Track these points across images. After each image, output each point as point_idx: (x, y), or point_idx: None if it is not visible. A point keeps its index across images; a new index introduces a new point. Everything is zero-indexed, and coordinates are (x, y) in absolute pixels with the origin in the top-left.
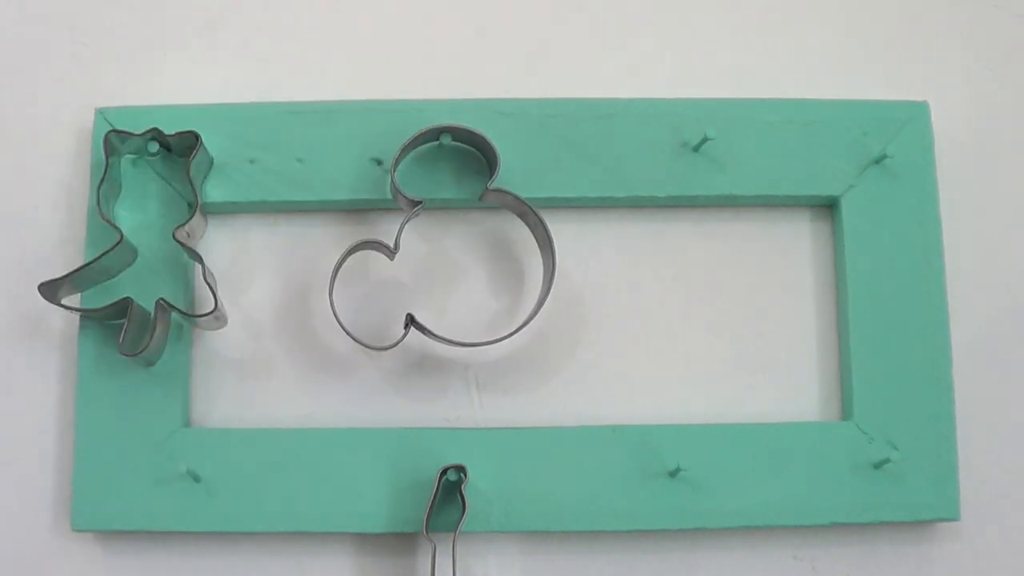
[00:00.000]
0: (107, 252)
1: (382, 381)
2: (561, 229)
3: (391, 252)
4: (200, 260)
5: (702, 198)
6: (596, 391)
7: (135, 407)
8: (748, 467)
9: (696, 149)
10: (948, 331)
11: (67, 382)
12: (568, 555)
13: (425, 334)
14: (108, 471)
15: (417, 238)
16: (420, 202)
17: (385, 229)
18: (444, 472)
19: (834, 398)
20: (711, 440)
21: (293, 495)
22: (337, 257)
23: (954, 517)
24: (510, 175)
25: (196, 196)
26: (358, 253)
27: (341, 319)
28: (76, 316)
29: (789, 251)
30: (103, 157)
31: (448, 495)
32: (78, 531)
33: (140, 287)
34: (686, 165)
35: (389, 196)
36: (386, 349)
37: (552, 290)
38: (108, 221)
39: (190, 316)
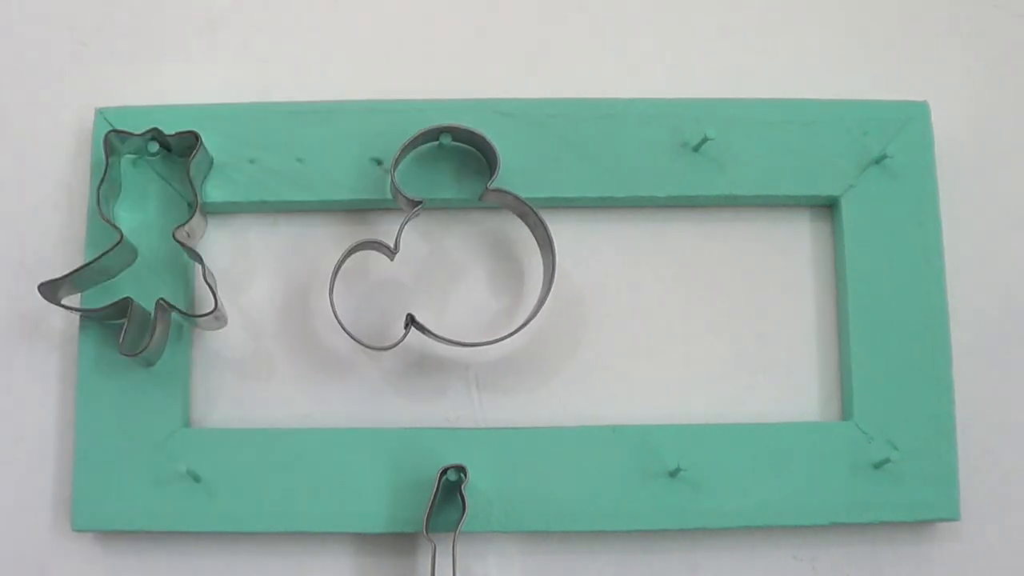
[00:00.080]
0: (107, 252)
1: (382, 381)
2: (561, 229)
3: (391, 252)
4: (200, 260)
5: (702, 198)
6: (596, 391)
7: (135, 407)
8: (748, 467)
9: (696, 149)
10: (948, 331)
11: (67, 382)
12: (568, 555)
13: (425, 334)
14: (108, 471)
15: (417, 238)
16: (420, 202)
17: (385, 229)
18: (444, 472)
19: (834, 398)
20: (711, 440)
21: (293, 495)
22: (337, 257)
23: (954, 517)
24: (510, 175)
25: (196, 196)
26: (358, 253)
27: (341, 319)
28: (76, 316)
29: (789, 251)
30: (103, 157)
31: (448, 495)
32: (78, 531)
33: (140, 287)
34: (686, 165)
35: (389, 196)
36: (387, 349)
37: (552, 290)
38: (108, 221)
39: (190, 316)
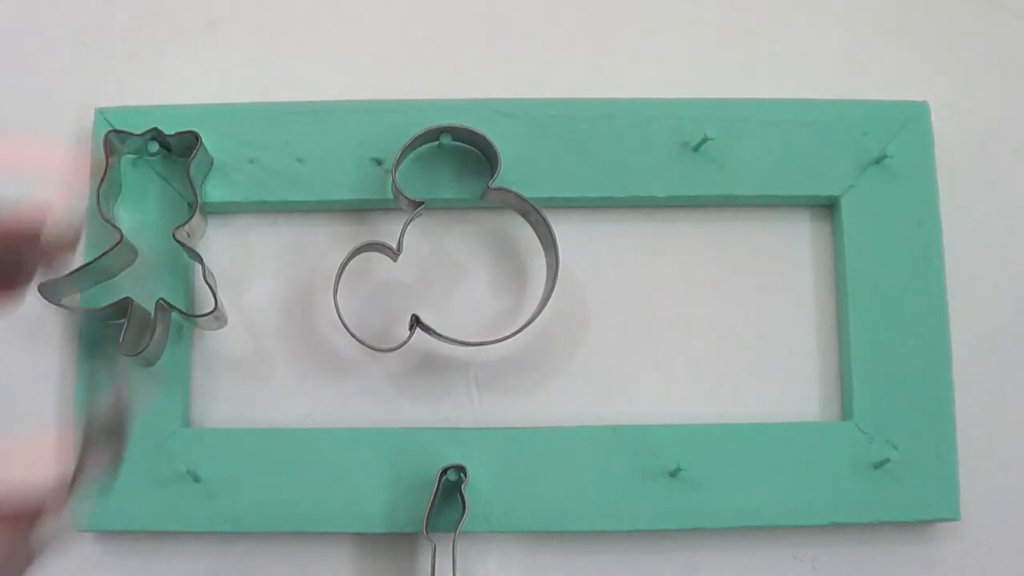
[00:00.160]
0: (107, 252)
1: (382, 381)
2: (561, 229)
3: (394, 254)
4: (200, 260)
5: (702, 198)
6: (596, 391)
7: (135, 407)
8: (748, 467)
9: (696, 149)
10: (948, 331)
11: (67, 382)
12: (568, 555)
13: (430, 334)
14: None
15: (419, 238)
16: (422, 203)
17: (386, 229)
18: (444, 472)
19: (834, 398)
20: (711, 440)
21: (293, 495)
22: (338, 257)
23: (954, 517)
24: (510, 176)
25: (196, 196)
26: (361, 254)
27: (345, 320)
28: (76, 316)
29: (789, 251)
30: (103, 157)
31: (448, 495)
32: (78, 531)
33: (140, 287)
34: (686, 165)
35: (390, 196)
36: (392, 351)
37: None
38: (108, 221)
39: (190, 316)
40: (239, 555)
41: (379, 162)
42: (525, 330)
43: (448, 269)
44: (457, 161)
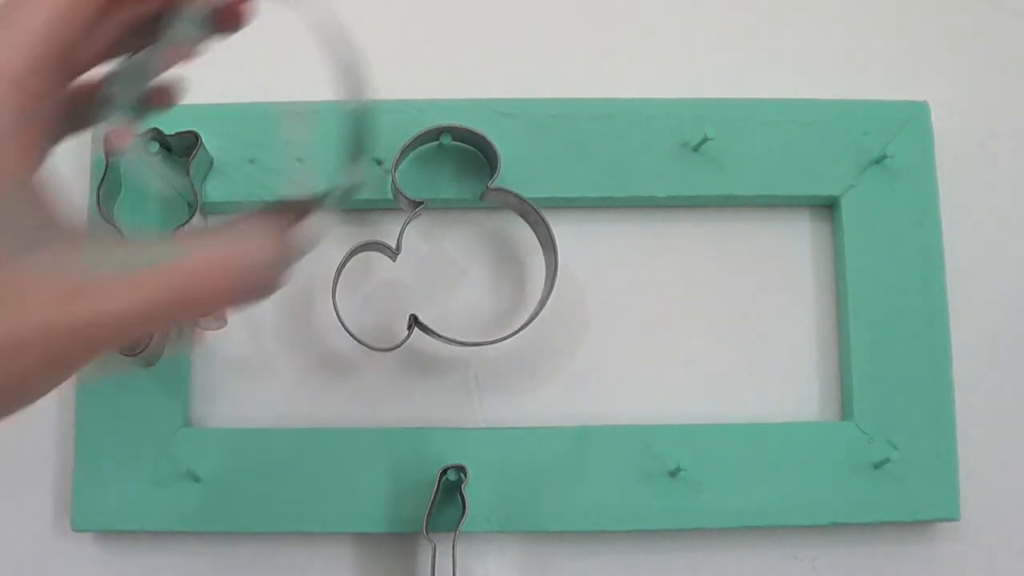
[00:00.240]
0: None
1: (382, 381)
2: (561, 229)
3: (393, 253)
4: None
5: (702, 198)
6: (596, 391)
7: (135, 407)
8: (748, 467)
9: (696, 149)
10: (948, 331)
11: (67, 382)
12: (568, 555)
13: (429, 334)
14: (108, 471)
15: (418, 238)
16: (421, 203)
17: (386, 229)
18: (444, 472)
19: (834, 398)
20: (711, 440)
21: (293, 495)
22: (337, 257)
23: (954, 517)
24: (510, 176)
25: (196, 196)
26: (360, 254)
27: (344, 320)
28: None
29: (789, 251)
30: (103, 157)
31: (448, 495)
32: (78, 531)
33: None
34: (686, 165)
35: (390, 196)
36: (390, 350)
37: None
38: (108, 221)
39: None
40: (239, 555)
41: (379, 162)
42: (525, 330)
43: (447, 269)
44: (457, 161)
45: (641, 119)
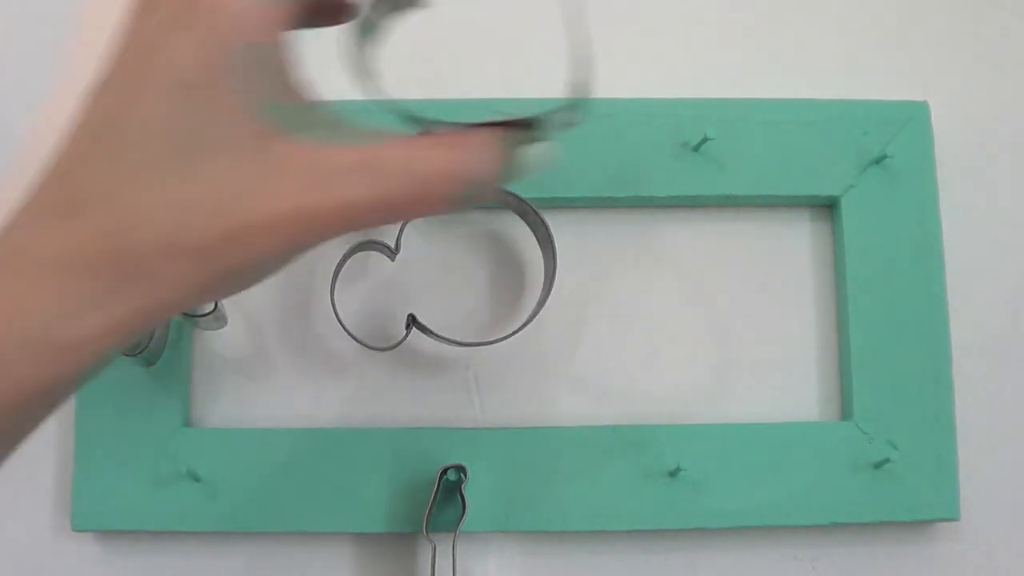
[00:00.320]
0: None
1: (382, 381)
2: (561, 229)
3: (392, 253)
4: None
5: (702, 198)
6: (596, 391)
7: (135, 407)
8: (748, 467)
9: (696, 149)
10: (948, 331)
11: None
12: (568, 555)
13: (426, 334)
14: (108, 471)
15: (417, 237)
16: None
17: (385, 229)
18: (444, 472)
19: (834, 398)
20: (711, 440)
21: (293, 495)
22: (336, 256)
23: (954, 517)
24: None
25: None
26: (358, 254)
27: (342, 319)
28: None
29: (789, 251)
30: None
31: (448, 495)
32: (78, 531)
33: None
34: (686, 165)
35: None
36: (388, 350)
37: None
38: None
39: (190, 316)
40: (239, 555)
41: None
42: (524, 330)
43: (446, 269)
44: None
45: (641, 119)
